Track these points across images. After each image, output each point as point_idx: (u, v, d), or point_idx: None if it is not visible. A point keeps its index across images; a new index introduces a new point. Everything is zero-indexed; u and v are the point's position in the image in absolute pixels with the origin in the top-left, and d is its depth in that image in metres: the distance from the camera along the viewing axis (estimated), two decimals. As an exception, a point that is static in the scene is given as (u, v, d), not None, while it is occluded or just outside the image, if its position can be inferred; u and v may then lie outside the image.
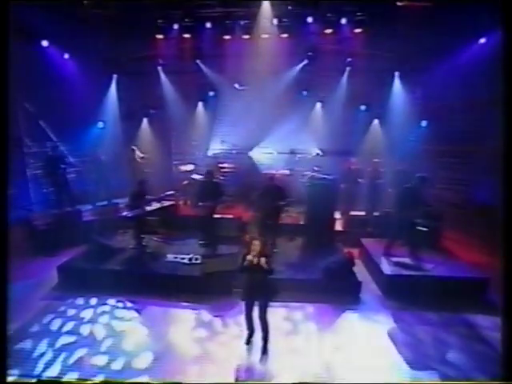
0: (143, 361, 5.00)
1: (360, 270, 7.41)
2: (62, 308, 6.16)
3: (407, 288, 6.54)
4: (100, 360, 4.99)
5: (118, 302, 6.40)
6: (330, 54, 10.51)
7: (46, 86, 8.76)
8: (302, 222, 8.64)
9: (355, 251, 8.26)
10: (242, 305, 5.14)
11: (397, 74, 10.83)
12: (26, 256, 7.52)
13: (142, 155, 10.17)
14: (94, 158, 9.74)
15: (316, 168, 9.31)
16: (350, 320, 6.03)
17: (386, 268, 6.99)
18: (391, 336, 5.59)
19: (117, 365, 4.92)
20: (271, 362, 4.97)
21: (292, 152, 10.68)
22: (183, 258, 7.24)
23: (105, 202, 9.68)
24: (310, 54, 10.64)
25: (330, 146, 10.69)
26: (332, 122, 10.88)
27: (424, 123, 10.52)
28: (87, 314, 6.05)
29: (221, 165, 10.24)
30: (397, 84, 10.91)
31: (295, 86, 10.94)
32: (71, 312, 6.08)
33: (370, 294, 6.74)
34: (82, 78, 9.61)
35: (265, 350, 5.05)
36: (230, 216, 8.66)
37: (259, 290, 4.88)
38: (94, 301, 6.41)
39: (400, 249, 7.29)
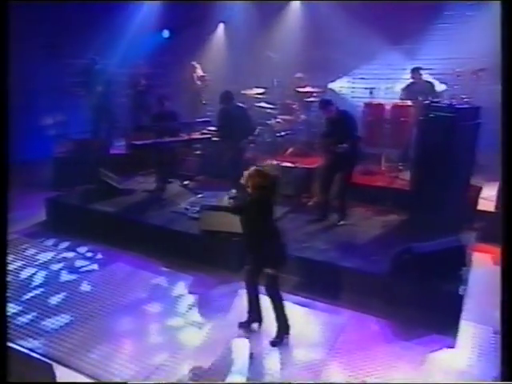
0: (52, 324, 4.95)
1: (490, 284, 5.51)
2: (25, 246, 6.76)
3: None
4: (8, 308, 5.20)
5: (89, 251, 6.64)
6: None
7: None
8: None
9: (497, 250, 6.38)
10: (235, 284, 5.40)
11: None
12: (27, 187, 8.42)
13: (202, 74, 10.15)
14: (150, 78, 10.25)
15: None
16: (413, 361, 4.41)
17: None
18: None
19: (20, 319, 5.01)
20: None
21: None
22: (195, 211, 6.98)
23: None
24: None
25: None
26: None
27: None
28: (44, 257, 6.47)
29: (301, 89, 9.19)
30: None
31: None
32: (30, 252, 6.60)
33: (484, 327, 4.94)
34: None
35: (276, 342, 4.57)
36: (290, 164, 7.79)
37: (254, 247, 4.54)
38: (64, 244, 6.84)
39: None
